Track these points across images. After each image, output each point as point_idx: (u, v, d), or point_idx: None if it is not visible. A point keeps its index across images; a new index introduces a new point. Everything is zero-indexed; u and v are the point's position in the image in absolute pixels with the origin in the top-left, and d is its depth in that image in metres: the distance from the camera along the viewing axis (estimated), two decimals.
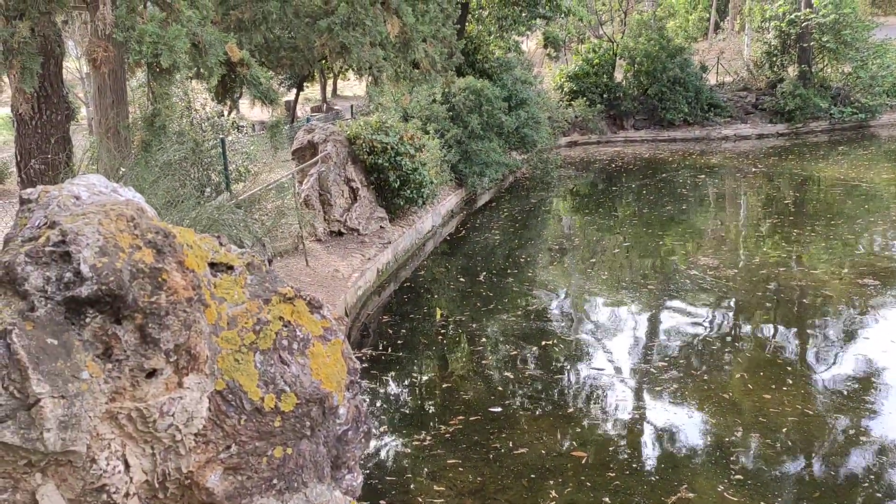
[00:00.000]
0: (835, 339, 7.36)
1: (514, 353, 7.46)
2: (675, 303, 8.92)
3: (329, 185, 10.78)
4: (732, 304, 8.84)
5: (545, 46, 25.66)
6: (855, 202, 14.22)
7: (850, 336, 7.40)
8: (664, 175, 18.87)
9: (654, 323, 8.34)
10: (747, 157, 21.54)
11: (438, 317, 8.83)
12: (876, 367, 6.68)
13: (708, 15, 36.94)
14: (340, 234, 10.83)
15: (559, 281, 10.56)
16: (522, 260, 11.42)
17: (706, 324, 8.11)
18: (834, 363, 6.83)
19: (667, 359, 7.13)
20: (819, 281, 9.34)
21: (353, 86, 37.19)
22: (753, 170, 18.77)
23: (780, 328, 7.88)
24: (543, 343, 7.71)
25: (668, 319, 8.35)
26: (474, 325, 8.40)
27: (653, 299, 9.12)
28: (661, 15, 33.01)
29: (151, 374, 2.09)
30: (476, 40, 19.37)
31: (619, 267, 11.00)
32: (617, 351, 7.46)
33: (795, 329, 7.82)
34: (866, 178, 16.56)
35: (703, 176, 18.39)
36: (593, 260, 11.43)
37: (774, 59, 26.99)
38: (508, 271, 10.71)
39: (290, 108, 24.54)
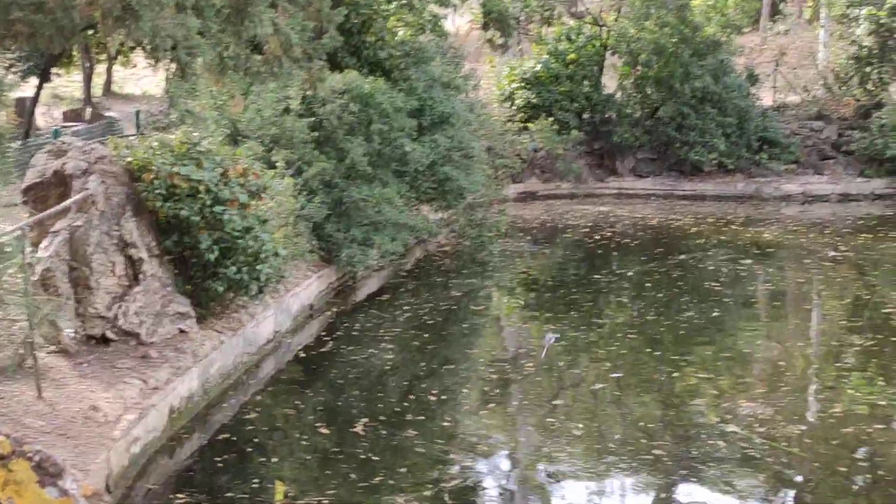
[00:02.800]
0: None
1: None
2: (700, 486, 9.02)
3: (89, 252, 10.64)
4: (797, 487, 9.03)
5: (485, 27, 26.47)
6: None
7: None
8: (683, 257, 19.45)
9: None
10: (823, 231, 22.51)
11: (280, 496, 8.72)
12: None
13: None
14: (106, 340, 10.64)
15: (498, 438, 10.50)
16: (433, 398, 11.43)
17: None
18: None
19: None
20: None
21: (141, 78, 37.17)
22: (833, 254, 19.60)
23: None
24: None
25: None
26: None
27: (661, 477, 9.21)
28: None
29: None
30: (366, 10, 19.79)
31: (604, 416, 11.07)
32: None
33: None
34: None
35: (748, 261, 19.07)
36: (559, 402, 11.50)
37: (869, 69, 28.57)
38: (408, 418, 10.69)
39: (25, 110, 24.24)
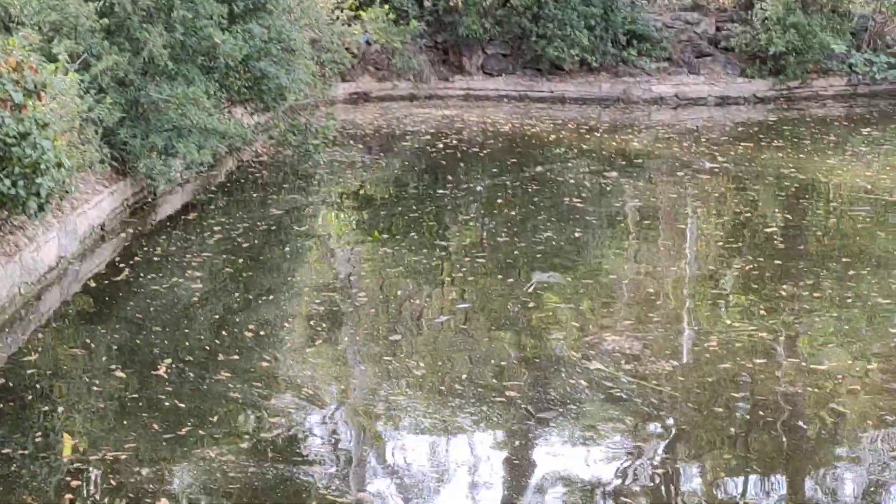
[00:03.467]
0: None
1: None
2: (558, 431, 9.08)
3: None
4: (668, 434, 9.12)
5: None
6: (892, 235, 15.51)
7: None
8: (540, 169, 19.57)
9: (515, 475, 8.46)
10: (699, 139, 22.94)
11: (68, 452, 8.52)
12: None
13: None
14: None
15: (327, 379, 10.46)
16: (250, 334, 11.27)
17: (616, 475, 8.39)
18: None
19: None
20: (827, 386, 9.90)
21: None
22: (709, 165, 20.01)
23: (757, 487, 8.32)
24: None
25: (544, 467, 8.49)
26: (144, 474, 8.17)
27: (514, 422, 9.24)
28: None
29: None
30: None
31: (449, 353, 11.08)
32: None
33: (783, 490, 8.28)
34: None
35: (614, 174, 19.31)
36: (397, 337, 11.49)
37: None
38: (220, 358, 10.52)
39: None
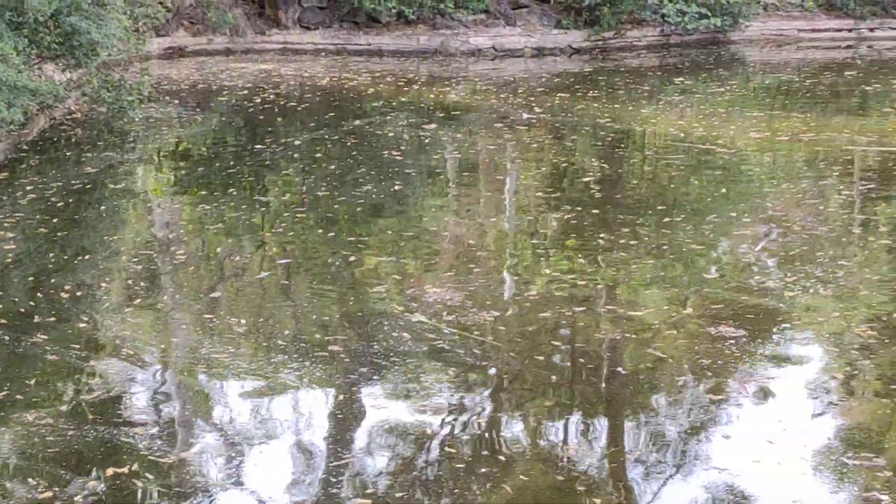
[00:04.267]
0: (667, 461, 8.01)
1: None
2: (382, 384, 9.12)
3: None
4: (491, 384, 9.23)
5: None
6: (705, 182, 15.82)
7: (697, 459, 8.10)
8: (358, 122, 19.53)
9: (341, 430, 8.47)
10: (516, 90, 23.09)
11: None
12: None
13: None
14: None
15: (147, 339, 10.33)
16: (66, 295, 11.06)
17: (441, 426, 8.44)
18: None
19: None
20: (644, 330, 10.10)
21: None
22: (527, 116, 20.18)
23: (579, 434, 8.45)
24: (113, 471, 7.49)
25: (370, 421, 8.48)
26: None
27: (339, 376, 9.24)
28: None
29: None
30: None
31: (271, 309, 11.03)
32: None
33: (604, 435, 8.42)
34: (724, 138, 18.54)
35: (432, 126, 19.33)
36: (218, 294, 11.42)
37: None
38: (36, 320, 10.34)
39: None
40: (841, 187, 15.50)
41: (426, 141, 18.21)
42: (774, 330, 10.13)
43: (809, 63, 28.52)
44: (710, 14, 28.53)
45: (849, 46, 31.30)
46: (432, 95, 22.17)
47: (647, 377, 9.26)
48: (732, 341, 9.70)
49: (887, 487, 7.08)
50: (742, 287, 11.44)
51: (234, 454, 8.08)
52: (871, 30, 31.50)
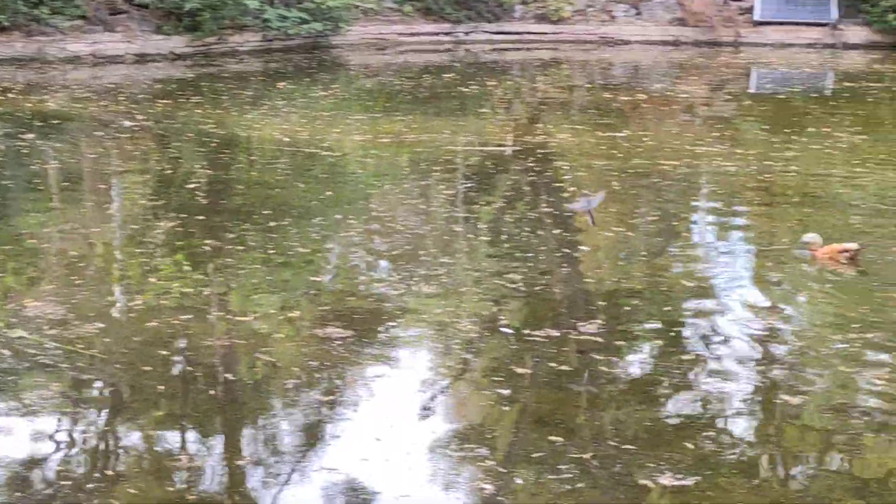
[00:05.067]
0: (282, 464, 8.07)
1: None
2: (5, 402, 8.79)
3: None
4: (101, 397, 9.11)
5: None
6: (311, 185, 16.03)
7: (309, 461, 8.18)
8: None
9: None
10: (118, 97, 22.74)
11: None
12: None
13: None
14: None
15: None
16: None
17: (54, 447, 8.19)
18: None
19: None
20: (254, 336, 10.11)
21: None
22: (129, 124, 19.90)
23: (196, 442, 8.39)
24: None
25: None
26: None
27: None
28: None
29: None
30: None
31: None
32: None
33: (219, 443, 8.38)
34: (329, 141, 18.83)
35: (30, 136, 18.71)
36: None
37: None
38: None
39: None
40: (442, 187, 16.01)
41: (24, 152, 17.60)
42: (381, 329, 10.35)
43: (410, 66, 29.41)
44: (311, 19, 28.92)
45: (447, 50, 32.48)
46: (29, 104, 21.49)
47: (258, 382, 9.30)
48: (340, 342, 9.86)
49: (491, 477, 7.37)
50: (349, 288, 11.69)
51: None
52: (467, 33, 32.79)
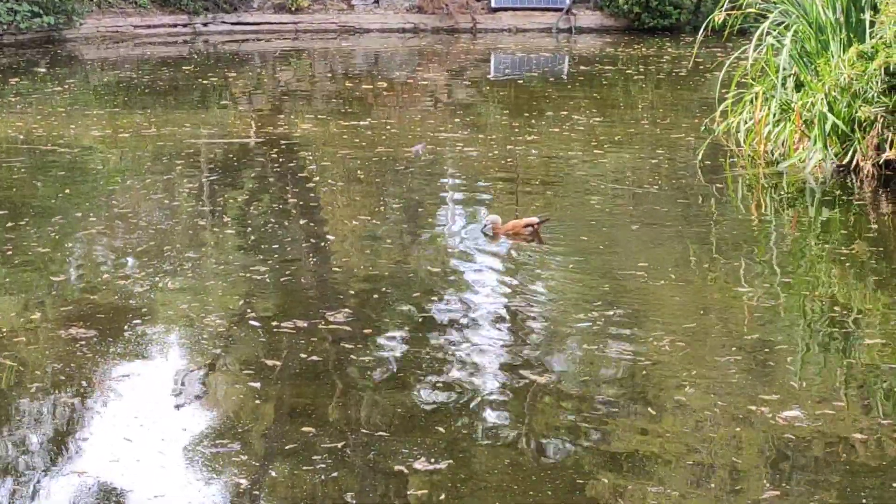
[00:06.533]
0: (32, 471, 7.86)
1: None
2: None
3: None
4: None
5: None
6: (50, 183, 15.60)
7: (58, 466, 7.96)
8: None
9: None
10: None
11: None
12: None
13: None
14: None
15: None
16: None
17: None
18: None
19: None
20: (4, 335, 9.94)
21: None
22: None
23: None
24: None
25: None
26: None
27: None
28: None
29: None
30: None
31: None
32: None
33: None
34: (67, 137, 18.39)
35: None
36: None
37: None
38: None
39: None
40: (185, 180, 15.85)
41: None
42: (126, 327, 10.15)
43: (148, 59, 28.95)
44: (43, 12, 28.18)
45: (185, 42, 32.10)
46: None
47: (0, 388, 9.02)
48: (84, 342, 9.66)
49: (245, 472, 7.34)
50: (92, 286, 11.46)
51: None
52: (205, 24, 32.52)
